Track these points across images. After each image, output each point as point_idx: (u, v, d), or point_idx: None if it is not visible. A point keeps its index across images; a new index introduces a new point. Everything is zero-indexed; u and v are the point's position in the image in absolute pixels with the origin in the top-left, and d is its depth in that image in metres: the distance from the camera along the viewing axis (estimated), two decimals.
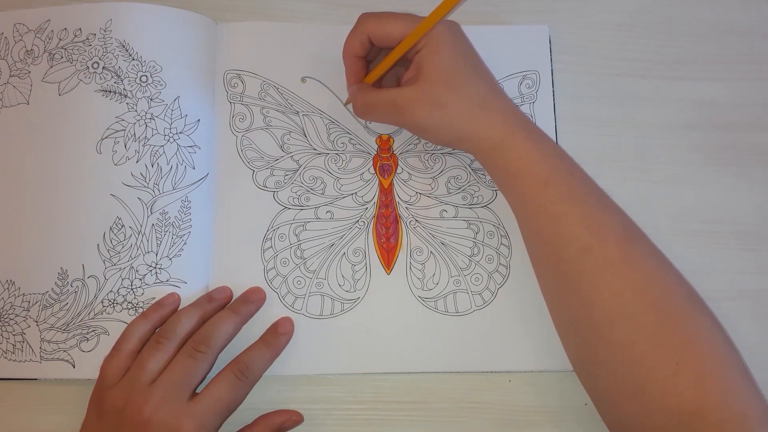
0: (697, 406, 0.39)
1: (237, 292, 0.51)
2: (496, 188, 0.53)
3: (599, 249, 0.43)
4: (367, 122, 0.54)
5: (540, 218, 0.45)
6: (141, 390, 0.44)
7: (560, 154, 0.47)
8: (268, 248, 0.52)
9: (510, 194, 0.48)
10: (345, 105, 0.54)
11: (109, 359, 0.46)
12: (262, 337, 0.49)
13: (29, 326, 0.49)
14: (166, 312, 0.48)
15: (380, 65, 0.50)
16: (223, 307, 0.49)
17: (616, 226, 0.44)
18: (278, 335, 0.49)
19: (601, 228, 0.44)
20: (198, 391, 0.46)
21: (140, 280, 0.49)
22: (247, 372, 0.46)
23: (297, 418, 0.48)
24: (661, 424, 0.40)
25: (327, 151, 0.54)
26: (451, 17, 0.57)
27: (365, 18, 0.49)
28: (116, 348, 0.47)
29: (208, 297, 0.49)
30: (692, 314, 0.42)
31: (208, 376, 0.47)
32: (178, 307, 0.49)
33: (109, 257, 0.50)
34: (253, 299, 0.50)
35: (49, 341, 0.49)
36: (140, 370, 0.45)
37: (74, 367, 0.48)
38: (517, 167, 0.46)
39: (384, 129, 0.54)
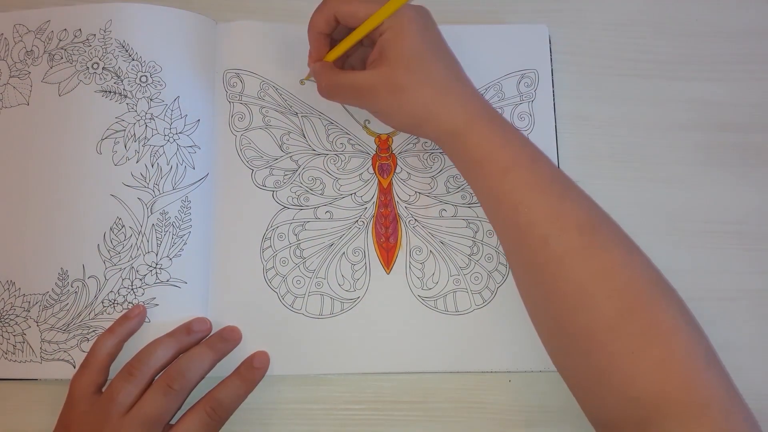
0: (656, 395, 0.39)
1: (237, 293, 0.51)
2: None
3: (558, 238, 0.42)
4: (366, 122, 0.54)
5: (502, 207, 0.45)
6: (111, 424, 0.43)
7: (523, 142, 0.46)
8: (267, 248, 0.52)
9: (472, 182, 0.47)
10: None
11: (77, 376, 0.46)
12: (237, 371, 0.48)
13: (30, 327, 0.49)
14: (132, 325, 0.48)
15: (341, 44, 0.49)
16: (201, 339, 0.49)
17: (578, 214, 0.43)
18: (254, 369, 0.48)
19: (562, 216, 0.43)
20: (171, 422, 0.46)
21: (140, 280, 0.49)
22: (219, 410, 0.46)
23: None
24: (626, 413, 0.40)
25: (326, 152, 0.54)
26: (449, 14, 0.57)
27: None
28: (84, 365, 0.46)
29: (187, 329, 0.48)
30: (654, 302, 0.41)
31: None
32: (143, 319, 0.49)
33: (109, 257, 0.50)
34: (230, 338, 0.49)
35: (49, 341, 0.49)
36: (110, 402, 0.44)
37: (75, 367, 0.48)
38: (478, 154, 0.45)
39: (382, 128, 0.54)
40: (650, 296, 0.41)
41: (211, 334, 0.49)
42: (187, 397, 0.46)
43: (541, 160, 0.46)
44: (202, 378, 0.47)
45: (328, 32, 0.49)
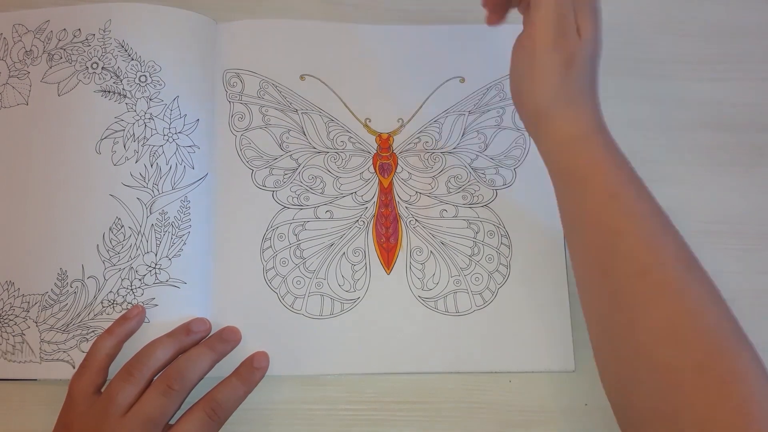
0: None
1: (236, 294, 0.51)
2: (496, 187, 0.53)
3: (657, 271, 0.42)
4: (367, 120, 0.54)
5: (599, 231, 0.43)
6: (110, 424, 0.43)
7: (631, 168, 0.45)
8: (267, 248, 0.52)
9: (567, 199, 0.45)
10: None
11: (77, 376, 0.46)
12: (237, 372, 0.48)
13: (29, 327, 0.49)
14: (131, 326, 0.48)
15: None
16: (200, 340, 0.49)
17: (675, 250, 0.43)
18: (253, 369, 0.48)
19: (661, 250, 0.42)
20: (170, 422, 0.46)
21: (140, 280, 0.49)
22: (219, 410, 0.46)
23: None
24: None
25: (326, 150, 0.54)
26: (449, 14, 0.57)
27: None
28: (83, 365, 0.46)
29: (186, 329, 0.48)
30: (738, 347, 0.40)
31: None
32: (142, 320, 0.49)
33: (108, 258, 0.50)
34: (230, 339, 0.49)
35: (48, 342, 0.49)
36: (110, 403, 0.44)
37: (74, 367, 0.48)
38: (585, 173, 0.44)
39: (383, 127, 0.54)
40: (736, 340, 0.41)
41: (211, 334, 0.49)
42: (187, 397, 0.46)
43: (645, 190, 0.45)
44: (202, 378, 0.47)
45: None
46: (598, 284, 0.45)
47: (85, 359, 0.47)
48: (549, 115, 0.45)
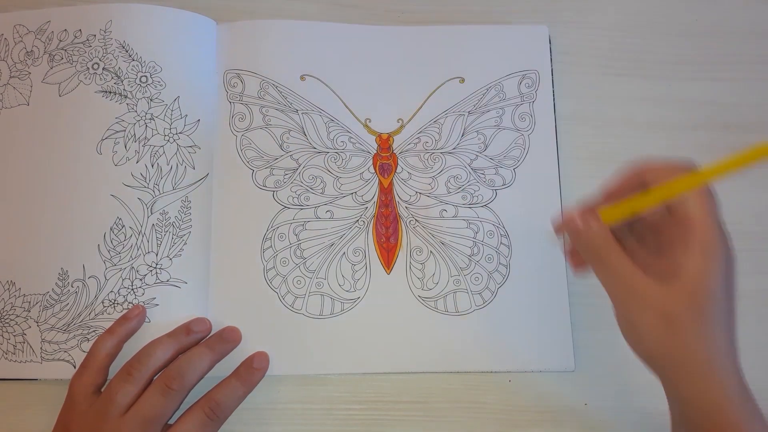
0: None
1: (237, 294, 0.51)
2: (496, 187, 0.53)
3: None
4: (368, 120, 0.54)
5: None
6: (109, 424, 0.43)
7: None
8: (267, 248, 0.52)
9: None
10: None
11: (77, 376, 0.46)
12: (237, 372, 0.48)
13: (30, 327, 0.49)
14: (132, 326, 0.48)
15: (625, 204, 0.40)
16: (200, 340, 0.49)
17: None
18: (253, 370, 0.48)
19: None
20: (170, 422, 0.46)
21: (141, 280, 0.49)
22: (218, 410, 0.46)
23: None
24: None
25: (327, 150, 0.54)
26: (449, 14, 0.57)
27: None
28: (84, 365, 0.46)
29: (187, 329, 0.48)
30: None
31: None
32: (143, 319, 0.49)
33: (109, 257, 0.50)
34: (230, 339, 0.49)
35: (49, 342, 0.49)
36: (109, 402, 0.44)
37: (75, 367, 0.48)
38: None
39: (383, 127, 0.54)
40: None
41: (211, 334, 0.49)
42: (186, 397, 0.46)
43: None
44: (201, 378, 0.47)
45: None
46: None
47: (85, 359, 0.47)
48: (679, 377, 0.38)
